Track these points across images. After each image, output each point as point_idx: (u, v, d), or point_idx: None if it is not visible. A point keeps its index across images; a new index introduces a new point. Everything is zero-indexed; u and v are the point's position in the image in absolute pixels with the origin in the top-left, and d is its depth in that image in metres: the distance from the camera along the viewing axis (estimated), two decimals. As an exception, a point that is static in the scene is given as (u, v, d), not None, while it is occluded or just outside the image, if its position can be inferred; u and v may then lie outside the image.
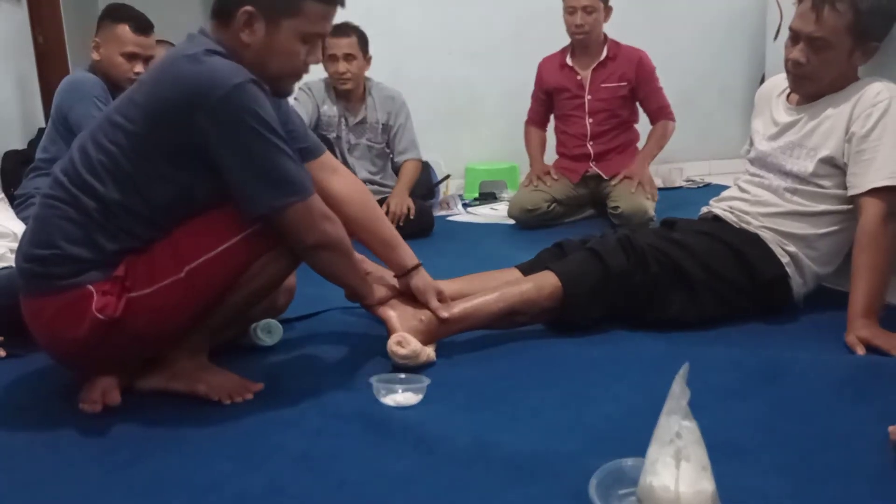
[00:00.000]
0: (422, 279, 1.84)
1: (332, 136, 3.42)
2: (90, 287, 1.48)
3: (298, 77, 1.64)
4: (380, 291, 1.82)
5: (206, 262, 1.51)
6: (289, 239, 1.57)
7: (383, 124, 3.49)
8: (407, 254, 1.85)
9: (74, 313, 1.48)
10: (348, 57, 3.30)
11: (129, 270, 1.51)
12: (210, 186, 1.52)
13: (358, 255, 1.81)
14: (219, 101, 1.43)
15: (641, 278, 1.91)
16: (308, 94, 3.38)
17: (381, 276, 1.87)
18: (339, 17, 1.66)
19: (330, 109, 3.43)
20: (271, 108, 1.50)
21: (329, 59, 3.30)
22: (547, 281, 1.90)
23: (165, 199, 1.51)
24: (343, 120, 3.44)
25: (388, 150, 3.55)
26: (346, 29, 3.28)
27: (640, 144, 3.65)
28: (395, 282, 1.88)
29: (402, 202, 3.28)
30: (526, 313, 1.91)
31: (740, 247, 1.97)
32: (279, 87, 1.61)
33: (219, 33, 1.56)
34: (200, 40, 1.54)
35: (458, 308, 1.84)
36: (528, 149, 3.78)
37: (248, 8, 1.51)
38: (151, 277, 1.50)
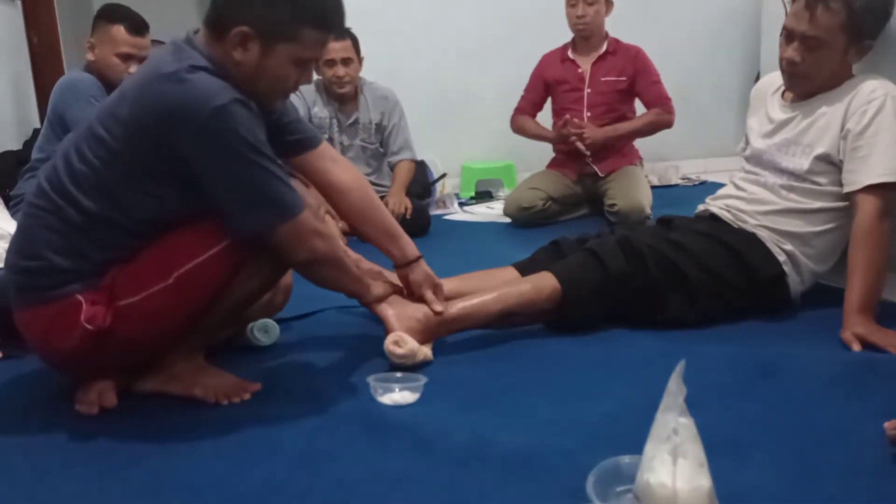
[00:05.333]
0: (421, 271, 1.83)
1: (325, 138, 3.40)
2: (79, 297, 1.47)
3: (286, 97, 1.63)
4: (377, 289, 1.81)
5: (194, 268, 1.49)
6: (280, 255, 1.56)
7: (377, 124, 3.47)
8: (408, 245, 1.84)
9: (64, 324, 1.46)
10: (346, 61, 3.28)
11: (117, 279, 1.49)
12: (194, 202, 1.49)
13: (354, 255, 1.80)
14: (201, 125, 1.40)
15: (641, 280, 1.91)
16: (298, 96, 3.32)
17: (378, 273, 1.86)
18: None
19: (321, 111, 3.40)
20: (257, 125, 1.47)
21: (326, 64, 3.27)
22: (546, 282, 1.89)
23: (149, 212, 1.49)
24: (335, 122, 3.43)
25: (382, 150, 3.54)
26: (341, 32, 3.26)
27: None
28: (392, 277, 1.87)
29: (401, 201, 3.28)
30: (524, 314, 1.91)
31: (738, 246, 1.97)
32: (265, 103, 1.58)
33: (209, 45, 1.50)
34: (185, 53, 1.48)
35: (455, 308, 1.84)
36: (529, 131, 3.69)
37: (244, 28, 1.46)
38: (140, 285, 1.48)
